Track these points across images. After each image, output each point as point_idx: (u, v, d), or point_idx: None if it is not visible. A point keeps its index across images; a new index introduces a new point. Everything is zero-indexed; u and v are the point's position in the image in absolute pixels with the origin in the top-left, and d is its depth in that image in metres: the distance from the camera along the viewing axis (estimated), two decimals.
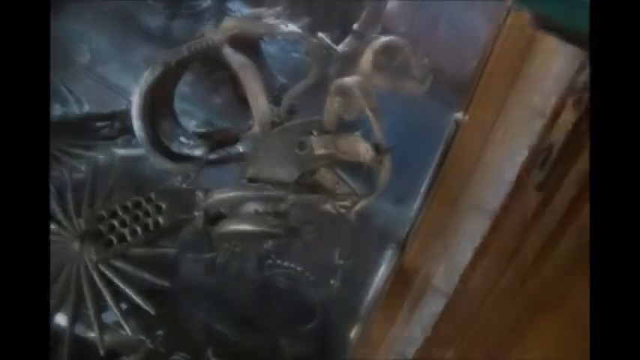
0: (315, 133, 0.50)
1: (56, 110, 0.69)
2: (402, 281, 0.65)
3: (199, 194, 0.52)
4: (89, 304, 0.57)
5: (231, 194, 0.51)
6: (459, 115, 0.58)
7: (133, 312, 0.59)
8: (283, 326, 0.73)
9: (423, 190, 0.62)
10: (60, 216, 0.59)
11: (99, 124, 0.66)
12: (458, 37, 0.66)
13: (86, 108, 0.71)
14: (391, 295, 0.66)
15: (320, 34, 0.60)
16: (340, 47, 0.64)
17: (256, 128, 0.51)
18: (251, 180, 0.51)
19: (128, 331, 0.58)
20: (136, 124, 0.52)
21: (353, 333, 0.70)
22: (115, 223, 0.51)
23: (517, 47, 0.51)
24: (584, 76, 0.48)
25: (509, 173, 0.54)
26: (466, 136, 0.57)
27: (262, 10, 0.57)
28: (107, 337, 0.58)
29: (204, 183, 0.55)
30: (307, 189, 0.50)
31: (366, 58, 0.48)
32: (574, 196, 0.52)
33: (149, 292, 0.58)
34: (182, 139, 0.56)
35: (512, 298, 0.59)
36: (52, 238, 0.57)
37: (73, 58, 0.73)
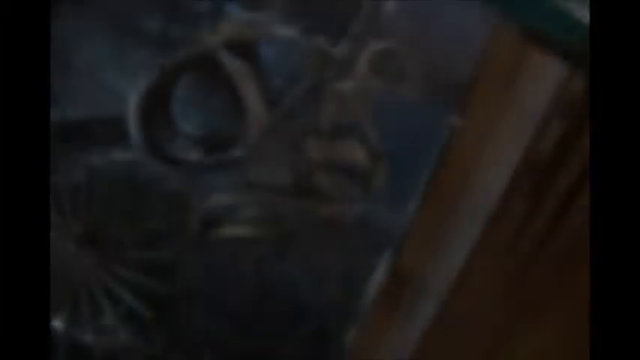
0: (311, 137, 0.50)
1: (53, 113, 0.69)
2: (398, 284, 0.65)
3: (196, 198, 0.52)
4: (85, 308, 0.57)
5: (228, 198, 0.51)
6: (454, 118, 0.58)
7: (129, 316, 0.59)
8: (280, 330, 0.73)
9: (418, 193, 0.63)
10: (57, 219, 0.59)
11: (96, 127, 0.66)
12: (454, 41, 0.66)
13: (83, 111, 0.71)
14: (387, 298, 0.66)
15: (316, 38, 0.61)
16: (337, 51, 0.64)
17: (252, 132, 0.52)
18: (247, 184, 0.51)
19: (124, 335, 0.58)
20: (133, 128, 0.53)
21: (349, 336, 0.70)
22: (112, 226, 0.51)
23: (511, 52, 0.51)
24: (576, 83, 0.48)
25: (504, 177, 0.54)
26: (461, 140, 0.57)
27: (259, 14, 0.57)
28: (103, 341, 0.58)
29: (201, 187, 0.55)
30: (303, 193, 0.50)
31: (363, 62, 0.48)
32: (566, 199, 0.53)
33: (146, 296, 0.58)
34: (179, 142, 0.56)
35: (507, 300, 0.60)
36: None
37: (70, 60, 0.73)
